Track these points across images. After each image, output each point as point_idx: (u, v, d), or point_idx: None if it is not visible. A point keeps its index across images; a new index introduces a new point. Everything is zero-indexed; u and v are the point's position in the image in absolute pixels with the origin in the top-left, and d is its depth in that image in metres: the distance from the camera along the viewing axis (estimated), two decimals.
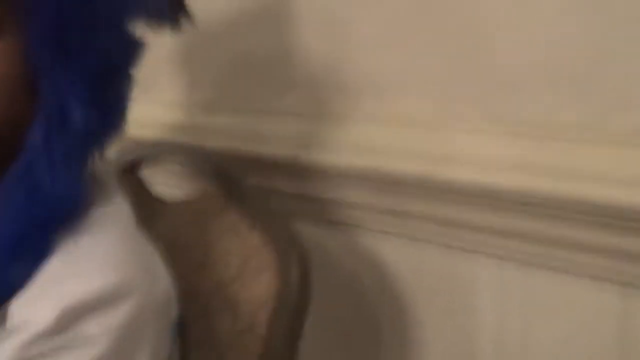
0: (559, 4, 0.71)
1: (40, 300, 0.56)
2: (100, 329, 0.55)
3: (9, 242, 0.58)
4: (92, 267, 0.58)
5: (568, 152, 0.71)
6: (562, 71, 0.72)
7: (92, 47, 0.61)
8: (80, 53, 0.60)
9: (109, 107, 0.64)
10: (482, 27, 0.78)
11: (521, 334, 0.79)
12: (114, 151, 0.79)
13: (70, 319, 0.54)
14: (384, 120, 0.88)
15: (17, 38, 0.59)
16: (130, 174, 0.96)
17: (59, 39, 0.59)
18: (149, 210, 0.77)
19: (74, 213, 0.61)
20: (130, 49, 0.66)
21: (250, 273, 0.75)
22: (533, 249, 0.76)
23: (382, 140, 0.86)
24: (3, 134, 0.60)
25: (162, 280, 0.64)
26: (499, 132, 0.77)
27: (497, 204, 0.76)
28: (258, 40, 1.01)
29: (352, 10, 0.89)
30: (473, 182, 0.77)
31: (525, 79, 0.75)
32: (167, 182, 1.09)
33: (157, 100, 1.12)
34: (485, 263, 0.81)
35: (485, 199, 0.77)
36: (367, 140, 0.88)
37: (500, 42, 0.76)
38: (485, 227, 0.79)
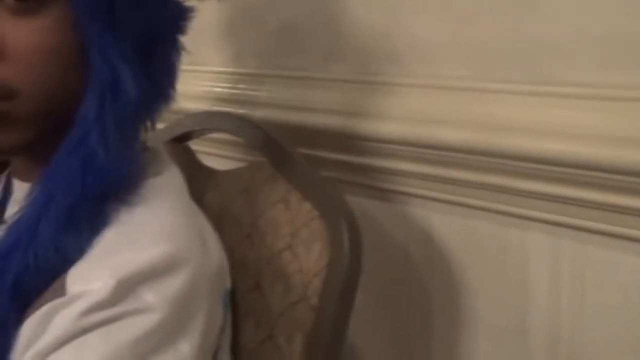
0: None
1: (97, 270, 0.56)
2: (156, 298, 0.56)
3: (65, 211, 0.58)
4: (147, 237, 0.59)
5: (620, 115, 0.70)
6: (610, 35, 0.70)
7: (140, 13, 0.61)
8: (128, 21, 0.60)
9: (159, 76, 0.65)
10: None
11: (575, 300, 0.77)
12: (163, 122, 0.80)
13: (127, 288, 0.55)
14: (432, 87, 0.87)
15: (64, 9, 0.59)
16: (179, 144, 0.96)
17: (106, 7, 0.59)
18: (198, 180, 0.77)
19: (127, 183, 0.62)
20: (177, 16, 0.66)
21: (302, 244, 0.74)
22: (586, 214, 0.74)
23: (431, 108, 0.85)
24: (57, 106, 0.61)
25: (215, 250, 0.65)
26: (546, 94, 0.76)
27: (548, 171, 0.75)
28: (304, 8, 1.00)
29: None
30: (523, 148, 0.76)
31: (572, 42, 0.74)
32: (216, 152, 1.09)
33: (203, 71, 1.12)
34: (537, 229, 0.79)
35: (535, 166, 0.75)
36: (415, 108, 0.87)
37: (547, 6, 0.75)
38: (536, 193, 0.77)
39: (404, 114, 0.87)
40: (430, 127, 0.84)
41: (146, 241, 0.59)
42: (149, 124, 0.67)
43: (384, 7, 0.90)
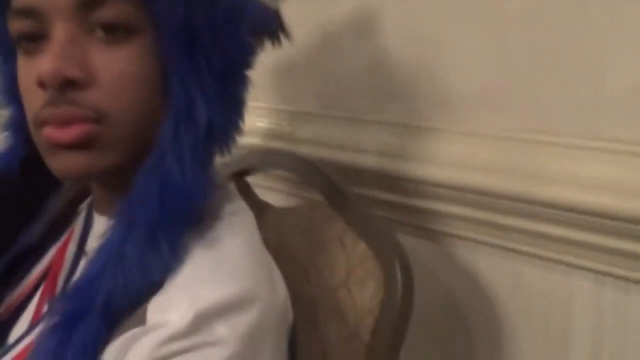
0: None
1: (176, 302, 0.60)
2: (228, 332, 0.59)
3: (146, 232, 0.61)
4: (223, 273, 0.63)
5: None
6: None
7: (216, 46, 0.64)
8: (205, 51, 0.64)
9: (230, 106, 0.68)
10: (582, 45, 0.80)
11: (617, 350, 0.80)
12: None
13: (202, 322, 0.58)
14: (483, 135, 0.90)
15: (150, 39, 0.63)
16: (238, 178, 1.01)
17: (187, 38, 0.63)
18: (256, 215, 0.81)
19: (202, 206, 0.65)
20: (248, 52, 0.70)
21: (356, 281, 0.78)
22: (630, 265, 0.77)
23: (480, 155, 0.89)
24: (140, 129, 0.65)
25: (281, 288, 0.68)
26: (595, 149, 0.79)
27: (593, 222, 0.78)
28: (361, 55, 1.04)
29: (449, 25, 0.92)
30: (569, 199, 0.79)
31: (625, 100, 0.77)
32: (270, 186, 1.14)
33: (261, 107, 1.17)
34: (581, 277, 0.82)
35: (580, 218, 0.79)
36: (464, 154, 0.90)
37: (603, 60, 0.78)
38: (581, 242, 0.81)
39: (453, 160, 0.91)
40: (478, 174, 0.88)
41: (222, 277, 0.62)
42: (222, 151, 0.69)
43: (438, 55, 0.94)
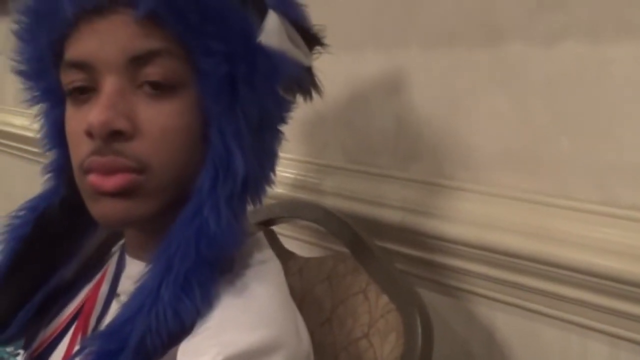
0: None
1: (206, 346, 0.63)
2: None
3: (182, 276, 0.64)
4: (252, 320, 0.66)
5: None
6: None
7: (254, 102, 0.68)
8: (244, 106, 0.67)
9: (264, 159, 0.72)
10: (603, 113, 0.83)
11: None
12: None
13: None
14: (502, 195, 0.93)
15: (193, 94, 0.67)
16: (265, 226, 1.04)
17: (228, 94, 0.67)
18: (282, 264, 0.85)
19: (235, 254, 0.69)
20: (283, 108, 0.74)
21: (378, 334, 0.81)
22: None
23: (499, 215, 0.91)
24: (180, 179, 0.68)
25: (305, 337, 0.71)
26: (614, 215, 0.82)
27: (609, 286, 0.80)
28: (389, 112, 1.08)
29: (476, 87, 0.96)
30: (587, 263, 0.81)
31: None
32: (298, 238, 1.17)
33: (289, 158, 1.21)
34: (597, 339, 0.84)
35: (597, 281, 0.81)
36: (485, 214, 0.93)
37: (624, 128, 0.81)
38: (598, 305, 0.83)
39: (474, 219, 0.94)
40: (497, 233, 0.90)
41: (251, 324, 0.65)
42: (254, 201, 0.73)
43: (464, 116, 0.98)
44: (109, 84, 0.65)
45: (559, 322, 0.88)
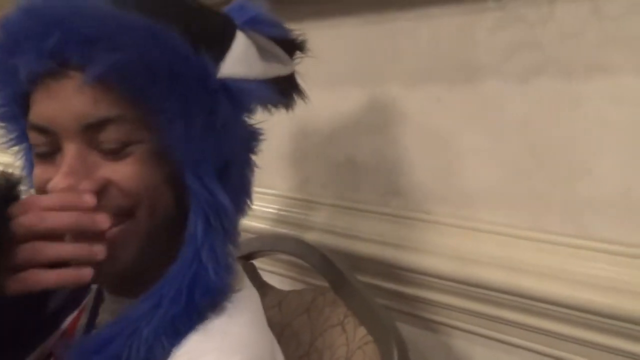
0: None
1: None
2: None
3: (169, 319, 0.65)
4: (228, 346, 0.66)
5: None
6: None
7: (220, 139, 0.68)
8: (209, 145, 0.68)
9: (238, 190, 0.73)
10: (576, 149, 0.85)
11: None
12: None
13: None
14: (479, 230, 0.95)
15: (154, 146, 0.67)
16: (245, 260, 1.05)
17: (192, 140, 0.67)
18: (261, 296, 0.85)
19: (226, 297, 0.69)
20: (250, 137, 0.75)
21: None
22: None
23: (478, 249, 0.93)
24: (166, 223, 0.69)
25: (281, 359, 0.72)
26: (588, 248, 0.83)
27: (583, 317, 0.82)
28: (368, 147, 1.10)
29: (456, 125, 0.98)
30: (560, 296, 0.83)
31: (619, 204, 0.82)
32: (277, 272, 1.17)
33: (270, 194, 1.22)
34: None
35: (572, 313, 0.83)
36: (461, 248, 0.95)
37: (597, 163, 0.83)
38: (575, 338, 0.84)
39: (452, 253, 0.95)
40: (475, 266, 0.92)
41: (227, 349, 0.65)
42: (234, 234, 0.73)
43: (444, 153, 1.00)
44: (69, 150, 0.66)
45: (537, 355, 0.89)
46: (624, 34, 0.79)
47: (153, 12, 0.65)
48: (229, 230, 0.70)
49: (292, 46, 0.79)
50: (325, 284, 0.93)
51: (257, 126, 0.76)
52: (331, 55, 1.13)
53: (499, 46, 0.91)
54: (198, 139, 0.67)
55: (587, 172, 0.84)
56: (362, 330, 0.83)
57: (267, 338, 0.72)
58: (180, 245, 0.68)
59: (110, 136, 0.65)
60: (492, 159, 0.94)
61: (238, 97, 0.70)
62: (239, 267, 0.79)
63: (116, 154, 0.66)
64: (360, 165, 1.11)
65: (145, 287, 0.68)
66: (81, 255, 0.63)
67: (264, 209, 1.20)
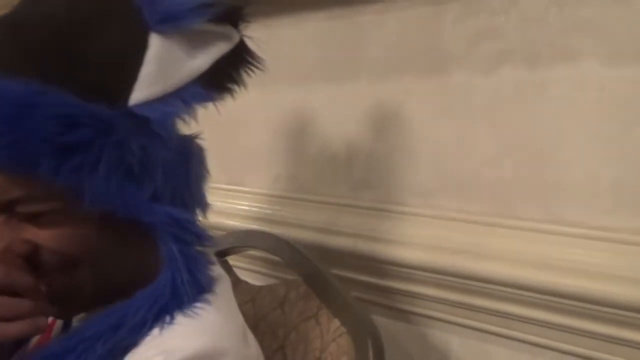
0: (616, 126, 0.79)
1: (151, 356, 0.63)
2: None
3: (124, 346, 0.65)
4: (196, 329, 0.66)
5: (624, 257, 0.78)
6: (620, 183, 0.79)
7: (148, 166, 0.66)
8: (134, 186, 0.65)
9: (189, 197, 0.72)
10: (542, 134, 0.86)
11: None
12: None
13: None
14: (454, 220, 0.95)
15: (63, 200, 0.64)
16: (219, 258, 1.04)
17: (114, 181, 0.64)
18: (235, 294, 0.85)
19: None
20: (185, 149, 0.72)
21: (330, 357, 0.81)
22: (590, 344, 0.81)
23: (451, 239, 0.93)
24: (118, 261, 0.70)
25: (253, 343, 0.72)
26: (558, 233, 0.84)
27: (557, 302, 0.82)
28: (341, 141, 1.10)
29: (422, 115, 0.98)
30: (534, 280, 0.83)
31: (585, 188, 0.82)
32: (251, 269, 1.17)
33: (243, 191, 1.22)
34: (548, 357, 0.86)
35: (546, 297, 0.83)
36: (436, 237, 0.95)
37: (564, 147, 0.84)
38: (546, 322, 0.84)
39: (425, 243, 0.95)
40: (449, 256, 0.92)
41: (195, 331, 0.65)
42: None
43: (412, 144, 1.00)
44: None
45: (511, 341, 0.89)
46: (586, 19, 0.80)
47: (24, 74, 0.61)
48: (199, 234, 0.69)
49: (230, 17, 0.70)
50: (298, 278, 0.93)
51: (190, 133, 0.73)
52: (298, 50, 1.12)
53: (464, 35, 0.91)
54: (115, 186, 0.64)
55: (554, 156, 0.85)
56: (335, 323, 0.83)
57: (236, 321, 0.72)
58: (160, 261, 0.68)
59: (25, 209, 0.65)
60: (460, 149, 0.94)
61: (153, 124, 0.65)
62: (211, 255, 0.77)
63: (36, 219, 0.65)
64: (331, 159, 1.11)
65: (117, 298, 0.68)
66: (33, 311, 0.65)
67: (236, 207, 1.20)
